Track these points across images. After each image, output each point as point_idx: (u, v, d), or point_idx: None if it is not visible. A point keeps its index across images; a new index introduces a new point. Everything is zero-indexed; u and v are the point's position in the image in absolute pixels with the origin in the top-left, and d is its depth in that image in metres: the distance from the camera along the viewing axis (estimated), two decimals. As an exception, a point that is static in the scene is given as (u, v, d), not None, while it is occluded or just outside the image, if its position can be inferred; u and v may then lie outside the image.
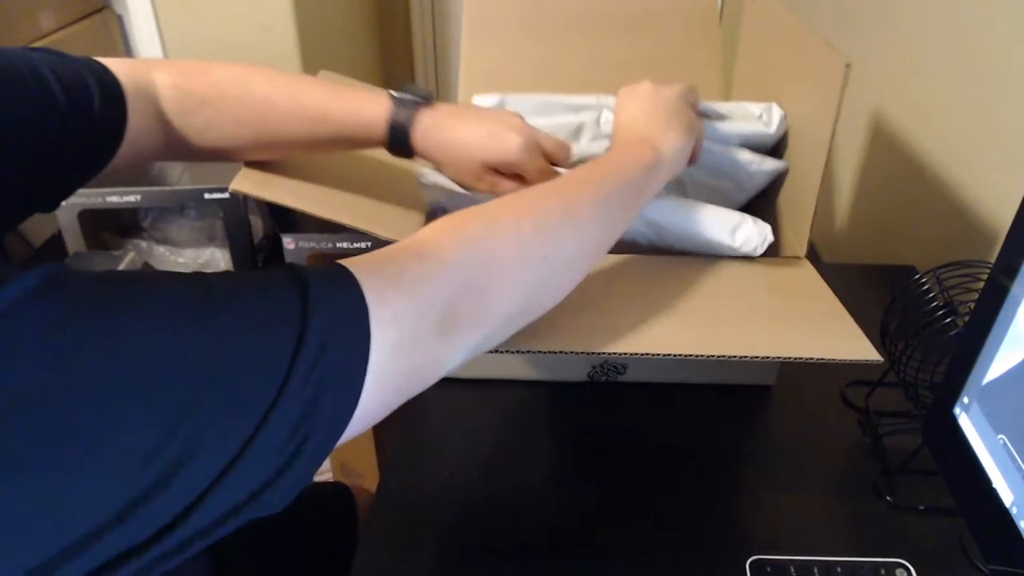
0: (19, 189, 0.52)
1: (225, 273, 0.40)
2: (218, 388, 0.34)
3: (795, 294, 0.68)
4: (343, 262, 0.42)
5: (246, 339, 0.35)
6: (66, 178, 0.58)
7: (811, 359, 0.58)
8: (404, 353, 0.42)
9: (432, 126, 0.64)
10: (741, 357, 0.59)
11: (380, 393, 0.41)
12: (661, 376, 0.76)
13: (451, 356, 0.46)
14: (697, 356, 0.59)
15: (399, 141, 0.65)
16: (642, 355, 0.60)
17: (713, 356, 0.59)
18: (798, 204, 0.75)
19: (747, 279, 0.69)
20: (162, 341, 0.33)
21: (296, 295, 0.38)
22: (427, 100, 0.65)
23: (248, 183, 0.67)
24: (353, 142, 0.66)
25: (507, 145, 0.64)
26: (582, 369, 0.76)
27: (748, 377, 0.76)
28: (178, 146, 0.65)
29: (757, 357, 0.59)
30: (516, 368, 0.76)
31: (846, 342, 0.61)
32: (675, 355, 0.60)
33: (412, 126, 0.64)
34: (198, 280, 0.37)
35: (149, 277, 0.36)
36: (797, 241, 0.74)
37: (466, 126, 0.65)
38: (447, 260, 0.46)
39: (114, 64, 0.59)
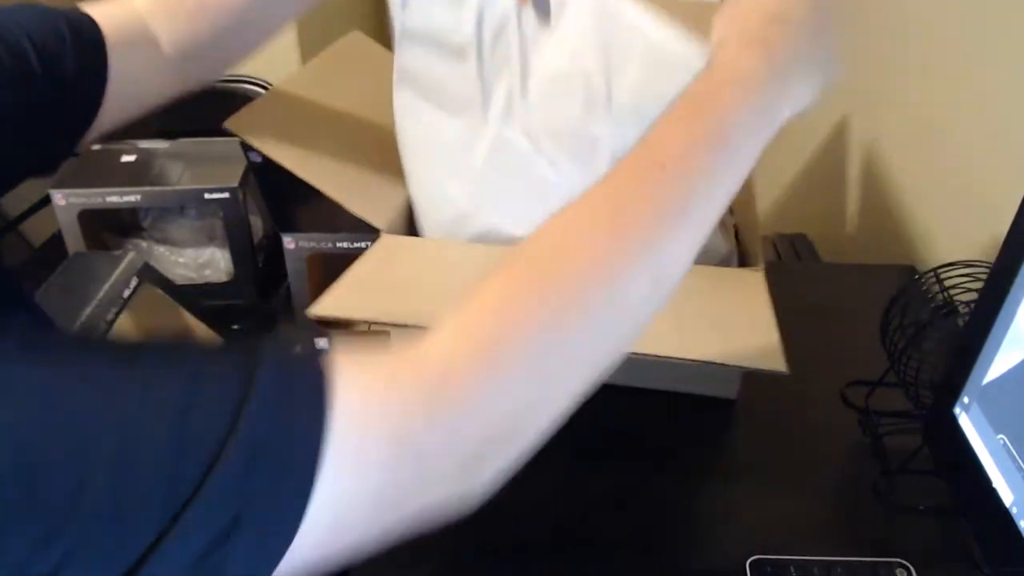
0: (4, 160, 0.52)
1: (169, 348, 0.34)
2: (98, 496, 0.28)
3: (730, 302, 0.68)
4: (336, 358, 0.33)
5: (147, 438, 0.29)
6: (53, 142, 0.57)
7: (714, 363, 0.58)
8: (391, 504, 0.34)
9: None
10: (652, 356, 0.59)
11: (344, 545, 0.34)
12: (620, 379, 0.75)
13: (472, 493, 0.37)
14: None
15: None
16: None
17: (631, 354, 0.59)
18: (745, 214, 0.76)
19: (691, 288, 0.70)
20: (42, 427, 0.28)
21: (234, 395, 0.31)
22: None
23: (242, 123, 0.70)
24: None
25: None
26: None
27: (709, 389, 0.74)
28: (180, 64, 0.62)
29: (661, 357, 0.59)
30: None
31: (758, 349, 0.61)
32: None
33: None
34: (129, 355, 0.32)
35: (84, 348, 0.32)
36: (753, 252, 0.75)
37: None
38: (473, 405, 0.35)
39: (98, 12, 0.57)
